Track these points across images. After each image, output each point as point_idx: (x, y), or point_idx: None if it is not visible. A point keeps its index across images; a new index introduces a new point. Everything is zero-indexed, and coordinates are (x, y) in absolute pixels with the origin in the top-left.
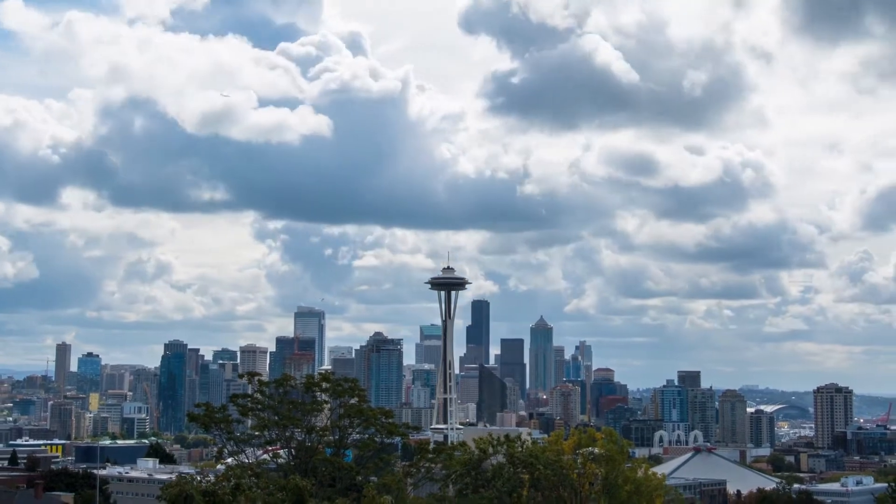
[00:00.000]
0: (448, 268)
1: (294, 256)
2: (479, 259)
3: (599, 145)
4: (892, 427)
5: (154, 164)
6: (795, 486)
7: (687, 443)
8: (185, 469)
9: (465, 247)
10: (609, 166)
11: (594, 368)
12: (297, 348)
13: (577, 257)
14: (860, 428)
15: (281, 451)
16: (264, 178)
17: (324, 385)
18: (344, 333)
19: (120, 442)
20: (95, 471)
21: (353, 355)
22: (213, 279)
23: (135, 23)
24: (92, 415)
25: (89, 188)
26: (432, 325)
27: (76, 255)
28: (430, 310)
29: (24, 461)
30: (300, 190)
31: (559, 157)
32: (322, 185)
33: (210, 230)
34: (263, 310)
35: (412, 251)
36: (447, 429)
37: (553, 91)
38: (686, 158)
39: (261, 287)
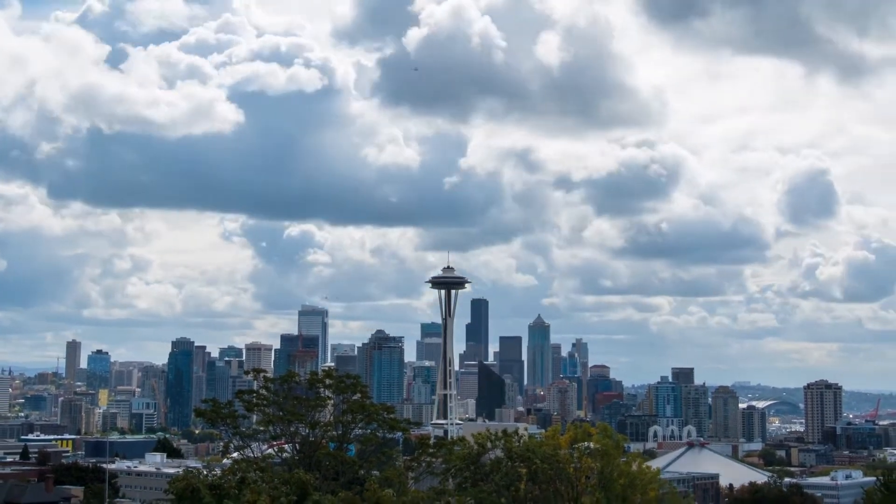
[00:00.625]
0: (448, 267)
1: (262, 254)
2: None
3: (506, 138)
4: (881, 422)
5: (88, 161)
6: (786, 479)
7: (681, 437)
8: (192, 463)
9: (405, 243)
10: (523, 160)
11: (590, 365)
12: (301, 346)
13: (529, 254)
14: (849, 423)
15: (286, 446)
16: (210, 175)
17: (327, 381)
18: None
19: (129, 437)
20: (105, 465)
21: (356, 352)
22: (191, 277)
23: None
24: (101, 410)
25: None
26: (433, 322)
27: (43, 252)
28: (400, 307)
29: (36, 455)
30: (244, 186)
31: (473, 152)
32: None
33: (173, 227)
34: (245, 307)
35: (372, 249)
36: (447, 424)
37: (447, 84)
38: (595, 152)
39: (240, 284)
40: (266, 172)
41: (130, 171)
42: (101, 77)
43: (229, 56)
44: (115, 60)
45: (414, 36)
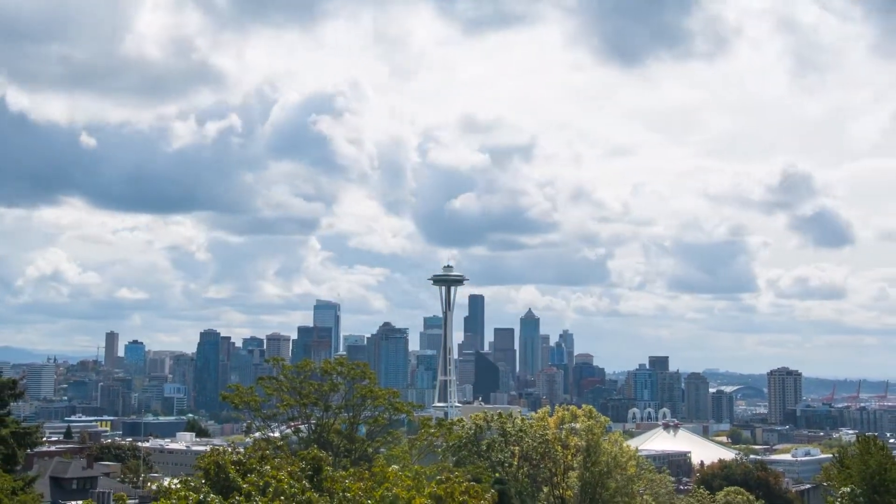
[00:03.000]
0: (448, 266)
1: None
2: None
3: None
4: (836, 405)
5: None
6: (752, 456)
7: (657, 419)
8: (218, 442)
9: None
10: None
11: (576, 354)
12: (316, 336)
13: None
14: (808, 406)
15: (301, 427)
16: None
17: (339, 369)
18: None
19: (161, 418)
20: (140, 443)
21: (365, 342)
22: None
23: None
24: (137, 395)
25: None
26: (434, 315)
27: None
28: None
29: (78, 435)
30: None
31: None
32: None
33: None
34: (175, 300)
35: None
36: (447, 407)
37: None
38: None
39: (160, 276)
40: None
41: None
42: None
43: None
44: None
45: None
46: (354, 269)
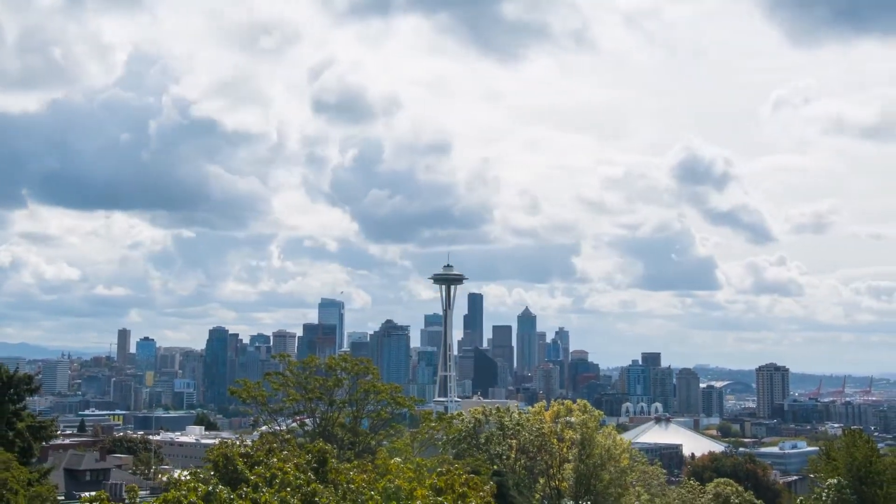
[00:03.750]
0: (448, 265)
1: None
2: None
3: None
4: (822, 400)
5: None
6: (741, 449)
7: (649, 413)
8: (227, 435)
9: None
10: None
11: (571, 350)
12: (320, 333)
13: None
14: (795, 401)
15: (307, 421)
16: None
17: (343, 365)
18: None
19: (171, 412)
20: (151, 436)
21: (368, 339)
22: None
23: None
24: (148, 390)
25: None
26: (435, 313)
27: None
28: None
29: (91, 429)
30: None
31: None
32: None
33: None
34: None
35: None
36: (447, 401)
37: None
38: None
39: (139, 277)
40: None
41: None
42: None
43: None
44: None
45: None
46: (302, 265)
